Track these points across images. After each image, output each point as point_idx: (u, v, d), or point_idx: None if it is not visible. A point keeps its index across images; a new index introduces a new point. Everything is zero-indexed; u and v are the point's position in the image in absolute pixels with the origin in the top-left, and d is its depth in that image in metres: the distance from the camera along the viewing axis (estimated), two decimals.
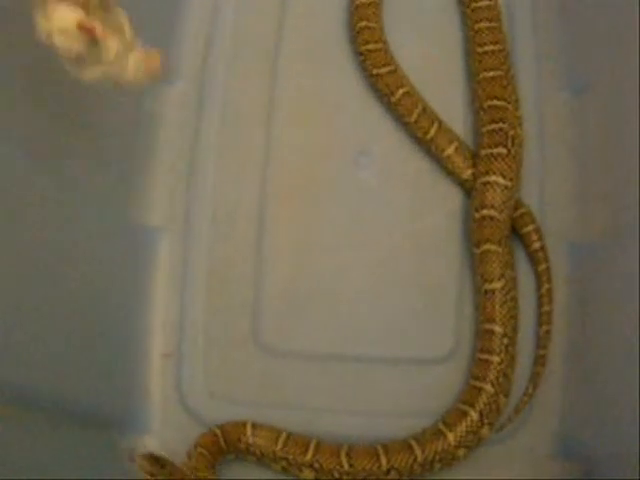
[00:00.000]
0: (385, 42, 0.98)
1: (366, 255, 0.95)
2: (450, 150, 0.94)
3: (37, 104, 0.77)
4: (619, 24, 0.89)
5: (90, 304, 0.86)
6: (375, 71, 0.96)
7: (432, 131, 0.94)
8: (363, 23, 0.98)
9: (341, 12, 1.02)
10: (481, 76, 0.94)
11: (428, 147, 0.95)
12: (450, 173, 0.95)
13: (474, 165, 0.93)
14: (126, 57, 0.66)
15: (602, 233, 0.90)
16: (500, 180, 0.90)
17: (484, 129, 0.93)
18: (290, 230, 0.96)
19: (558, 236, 0.93)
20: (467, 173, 0.93)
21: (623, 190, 0.86)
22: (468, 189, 0.94)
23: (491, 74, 0.94)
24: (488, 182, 0.90)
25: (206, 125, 0.99)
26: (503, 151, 0.91)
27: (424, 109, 0.95)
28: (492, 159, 0.91)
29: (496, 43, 0.95)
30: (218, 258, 0.95)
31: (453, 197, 0.95)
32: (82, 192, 0.86)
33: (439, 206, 0.95)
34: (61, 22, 0.61)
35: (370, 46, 0.97)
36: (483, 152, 0.92)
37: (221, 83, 1.00)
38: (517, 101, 0.94)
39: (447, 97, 0.98)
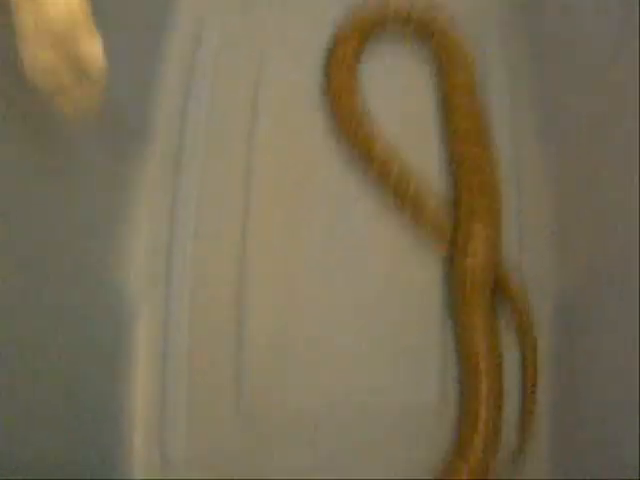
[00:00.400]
0: (361, 100, 0.99)
1: (350, 307, 0.95)
2: (430, 206, 0.94)
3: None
4: (590, 73, 0.90)
5: (70, 374, 0.85)
6: (351, 131, 0.97)
7: (410, 189, 0.94)
8: (337, 82, 0.99)
9: (316, 74, 1.03)
10: (456, 129, 0.96)
11: (408, 205, 0.95)
12: (432, 228, 0.95)
13: (455, 219, 0.93)
14: None
15: (584, 281, 0.90)
16: (482, 232, 0.91)
17: (462, 182, 0.93)
18: (272, 285, 0.95)
19: (539, 285, 0.93)
20: (448, 227, 0.94)
21: (602, 237, 0.86)
22: (450, 241, 0.94)
23: (464, 126, 0.95)
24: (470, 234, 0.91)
25: (185, 186, 0.99)
26: (482, 207, 0.92)
27: (401, 168, 0.95)
28: (473, 213, 0.92)
29: (469, 92, 0.97)
30: (199, 321, 0.95)
31: (435, 250, 0.96)
32: (62, 256, 0.85)
33: (422, 258, 0.96)
34: None
35: (346, 105, 0.98)
36: (463, 205, 0.93)
37: (199, 142, 1.01)
38: (493, 152, 0.95)
39: (423, 154, 0.98)
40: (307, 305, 0.95)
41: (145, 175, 0.99)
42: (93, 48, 0.58)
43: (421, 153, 0.98)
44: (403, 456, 0.90)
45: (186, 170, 1.00)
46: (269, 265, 0.96)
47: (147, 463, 0.90)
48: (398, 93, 1.02)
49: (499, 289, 0.92)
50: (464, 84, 0.98)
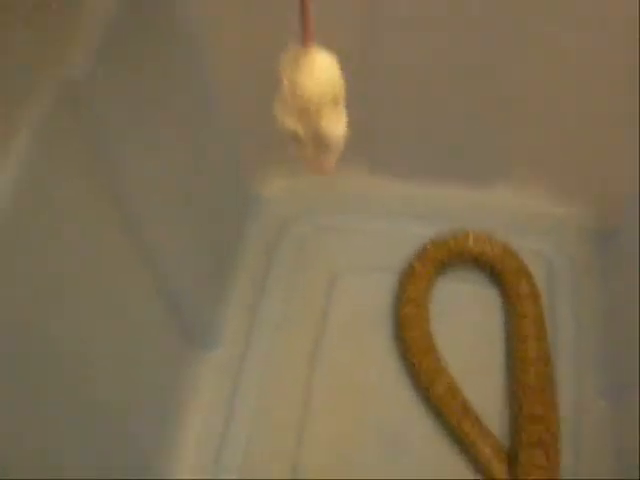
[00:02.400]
0: (429, 331, 0.99)
1: None
2: (487, 450, 0.91)
3: None
4: None
5: None
6: (416, 360, 0.97)
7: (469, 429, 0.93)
8: (409, 313, 1.00)
9: (388, 300, 1.05)
10: (523, 381, 0.95)
11: (464, 444, 0.93)
12: (487, 474, 0.92)
13: (511, 469, 0.91)
14: None
15: None
16: None
17: (523, 434, 0.91)
18: None
19: None
20: (503, 476, 0.91)
21: None
22: None
23: (533, 380, 0.94)
24: None
25: (240, 398, 0.99)
26: (542, 460, 0.89)
27: (463, 404, 0.94)
28: (531, 466, 0.88)
29: (540, 349, 0.97)
30: None
31: None
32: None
33: None
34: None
35: (414, 333, 0.98)
36: (522, 457, 0.90)
37: (261, 356, 1.02)
38: (557, 409, 0.94)
39: (486, 394, 0.97)
40: None
41: (203, 381, 1.00)
42: (336, 126, 0.62)
43: (484, 392, 0.97)
44: None
45: (245, 381, 1.00)
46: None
47: None
48: (467, 328, 1.03)
49: None
50: (532, 334, 0.98)
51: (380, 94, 1.05)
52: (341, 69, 0.63)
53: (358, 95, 1.03)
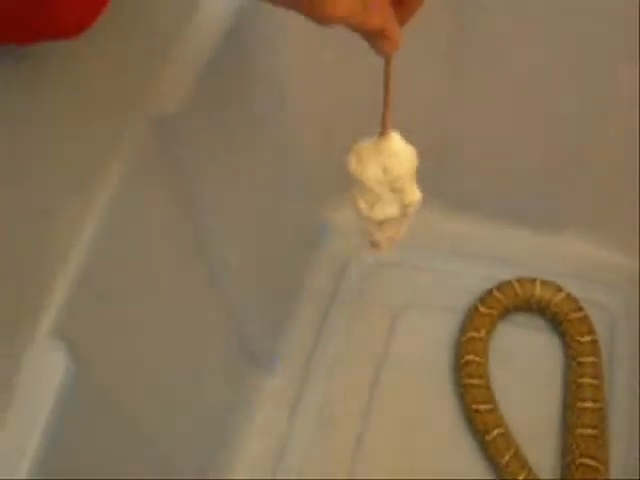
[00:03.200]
0: (488, 379, 1.01)
1: None
2: None
3: None
4: None
5: None
6: (474, 406, 0.98)
7: (520, 477, 0.93)
8: (470, 357, 1.01)
9: (449, 340, 1.06)
10: (577, 431, 0.96)
11: None
12: None
13: None
14: None
15: None
16: None
17: None
18: None
19: None
20: None
21: None
22: None
23: (588, 431, 0.95)
24: None
25: (298, 425, 1.01)
26: None
27: (516, 453, 0.95)
28: None
29: (596, 401, 0.97)
30: None
31: None
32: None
33: None
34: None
35: (474, 380, 1.00)
36: None
37: (320, 384, 1.04)
38: (608, 462, 0.95)
39: (540, 444, 0.98)
40: None
41: (262, 404, 1.03)
42: (415, 194, 0.67)
43: (538, 439, 0.98)
44: None
45: (304, 404, 1.03)
46: None
47: None
48: (525, 374, 1.04)
49: None
50: (590, 386, 0.99)
51: (456, 135, 1.07)
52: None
53: (435, 135, 1.06)
